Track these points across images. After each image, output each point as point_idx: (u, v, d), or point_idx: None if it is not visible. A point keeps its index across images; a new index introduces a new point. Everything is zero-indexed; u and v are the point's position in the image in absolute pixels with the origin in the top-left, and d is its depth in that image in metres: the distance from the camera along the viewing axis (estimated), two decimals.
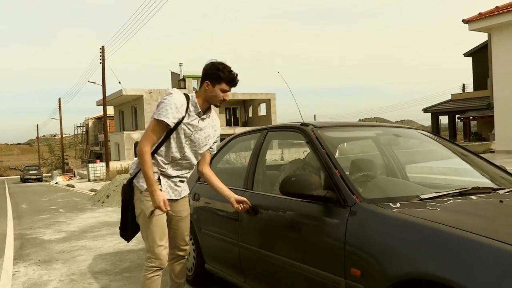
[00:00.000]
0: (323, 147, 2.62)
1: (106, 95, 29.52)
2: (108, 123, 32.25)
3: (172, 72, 38.99)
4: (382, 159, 3.46)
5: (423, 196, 2.25)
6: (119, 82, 28.87)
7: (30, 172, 42.21)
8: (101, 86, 28.57)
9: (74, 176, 37.21)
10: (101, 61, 28.49)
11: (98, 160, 33.28)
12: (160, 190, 2.75)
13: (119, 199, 13.62)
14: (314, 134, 2.76)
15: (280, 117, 38.65)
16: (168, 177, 2.84)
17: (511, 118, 9.76)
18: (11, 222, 9.83)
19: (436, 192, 2.34)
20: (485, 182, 2.87)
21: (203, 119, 2.84)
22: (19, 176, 48.89)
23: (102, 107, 29.53)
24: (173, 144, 2.76)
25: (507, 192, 2.48)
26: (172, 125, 2.70)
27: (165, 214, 2.81)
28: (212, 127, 2.93)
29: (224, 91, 2.77)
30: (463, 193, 2.36)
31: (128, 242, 3.06)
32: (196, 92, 2.86)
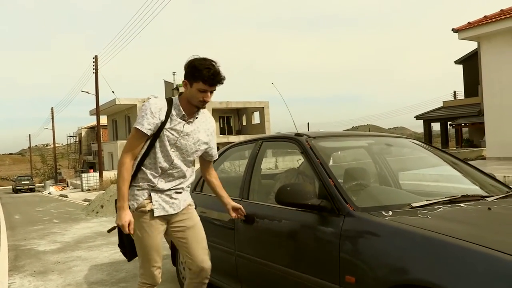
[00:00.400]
0: (317, 157, 2.69)
1: (100, 104, 29.49)
2: (101, 133, 32.16)
3: (165, 81, 39.00)
4: (375, 167, 3.53)
5: (414, 204, 2.33)
6: (113, 92, 28.86)
7: (23, 182, 41.93)
8: (94, 96, 28.55)
9: (67, 186, 37.00)
10: (94, 70, 28.50)
11: (92, 170, 33.15)
12: (151, 210, 2.58)
13: (113, 209, 13.49)
14: (308, 144, 2.82)
15: (274, 125, 38.80)
16: (161, 191, 2.62)
17: (501, 126, 9.92)
18: (4, 233, 9.79)
19: (427, 200, 2.41)
20: (475, 189, 2.95)
21: (189, 123, 2.60)
22: (11, 187, 48.51)
23: (95, 116, 29.49)
24: (159, 154, 2.56)
25: (495, 199, 2.56)
26: (147, 132, 2.51)
27: (160, 234, 2.66)
28: (204, 131, 2.69)
29: (202, 91, 2.48)
30: (453, 200, 2.44)
31: (129, 261, 2.91)
32: (180, 94, 2.64)
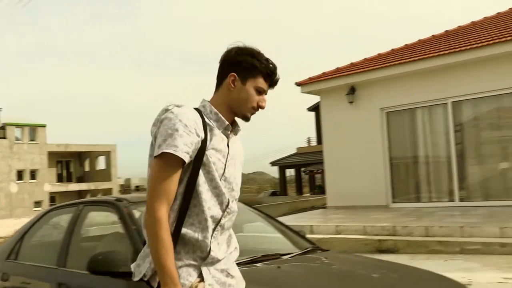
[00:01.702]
0: (133, 224, 3.04)
1: None
2: None
3: None
4: None
5: None
6: None
7: None
8: None
9: None
10: None
11: None
12: None
13: None
14: (126, 210, 3.17)
15: (122, 169, 38.01)
16: (213, 264, 1.86)
17: (337, 177, 11.49)
18: None
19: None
20: (281, 247, 3.60)
21: (229, 140, 1.92)
22: None
23: None
24: (205, 194, 1.79)
25: (291, 257, 3.21)
26: (185, 157, 1.73)
27: None
28: (240, 155, 1.99)
29: (260, 92, 1.89)
30: (254, 260, 3.00)
31: None
32: (211, 98, 1.94)
